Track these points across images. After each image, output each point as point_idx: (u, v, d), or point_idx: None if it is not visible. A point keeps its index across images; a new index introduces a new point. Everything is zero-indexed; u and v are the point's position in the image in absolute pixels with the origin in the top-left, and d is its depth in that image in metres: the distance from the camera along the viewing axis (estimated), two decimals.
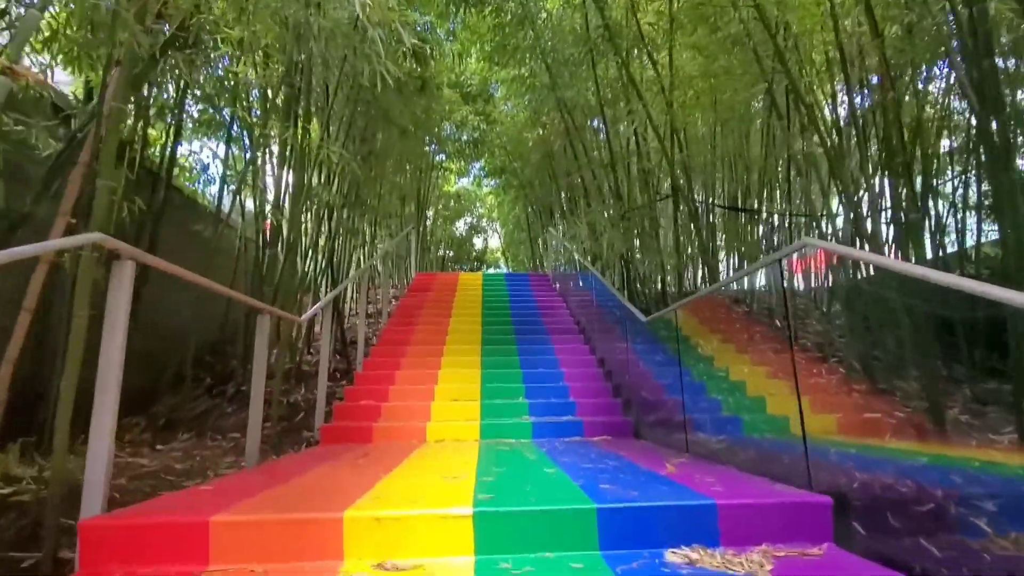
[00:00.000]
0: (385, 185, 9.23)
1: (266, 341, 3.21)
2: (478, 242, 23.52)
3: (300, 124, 4.38)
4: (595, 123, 6.66)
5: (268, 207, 5.45)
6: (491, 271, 23.77)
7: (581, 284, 7.54)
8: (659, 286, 5.79)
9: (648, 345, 4.67)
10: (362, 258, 8.28)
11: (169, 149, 4.72)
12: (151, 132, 4.79)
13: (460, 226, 21.64)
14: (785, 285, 2.86)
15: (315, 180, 5.77)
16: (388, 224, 10.63)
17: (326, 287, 6.72)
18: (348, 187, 6.92)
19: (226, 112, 5.31)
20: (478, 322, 6.87)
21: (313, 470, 2.79)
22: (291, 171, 4.61)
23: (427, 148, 11.73)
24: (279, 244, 4.61)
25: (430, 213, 16.32)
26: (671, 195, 4.81)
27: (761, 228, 7.14)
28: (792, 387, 2.46)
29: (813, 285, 7.92)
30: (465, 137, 12.54)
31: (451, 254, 21.78)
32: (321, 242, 6.28)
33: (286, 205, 4.93)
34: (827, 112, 5.85)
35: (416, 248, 10.32)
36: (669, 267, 4.63)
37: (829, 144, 5.11)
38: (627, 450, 3.51)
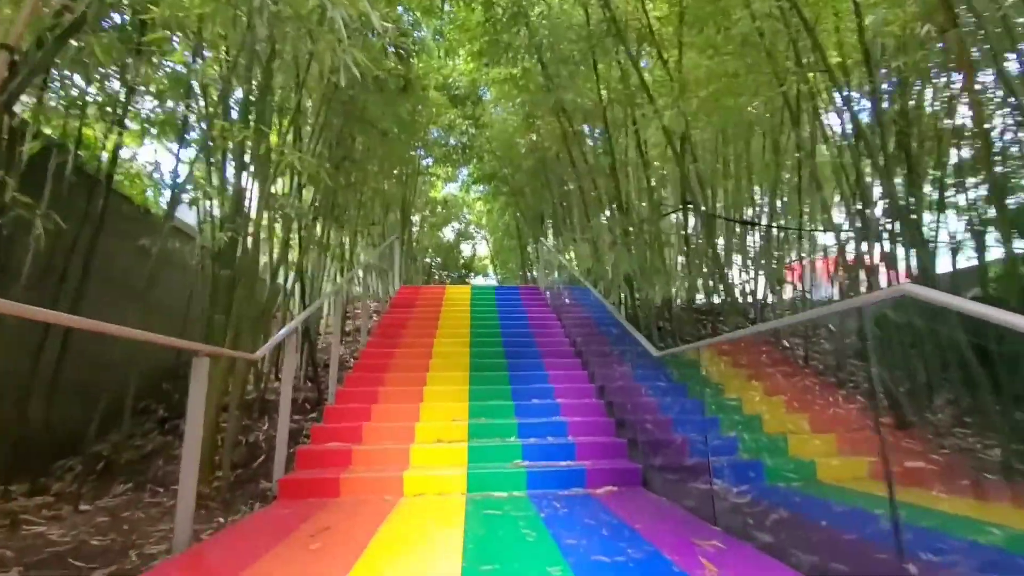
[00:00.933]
0: (366, 192, 8.63)
1: (203, 389, 2.61)
2: (466, 249, 22.93)
3: (256, 125, 3.80)
4: (594, 128, 6.13)
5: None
6: (480, 283, 23.22)
7: (576, 299, 7.00)
8: (665, 309, 5.26)
9: (660, 383, 4.13)
10: (341, 271, 7.67)
11: (111, 152, 4.10)
12: (89, 132, 4.16)
13: (447, 233, 21.05)
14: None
15: (282, 187, 5.17)
16: (371, 233, 10.02)
17: (301, 305, 6.11)
18: (323, 195, 6.32)
19: (182, 112, 4.69)
20: (466, 343, 6.29)
21: (249, 568, 2.18)
22: (252, 178, 4.02)
23: (413, 153, 11.17)
24: (234, 261, 4.00)
25: (416, 219, 15.73)
26: (681, 207, 4.31)
27: (767, 242, 6.68)
28: (876, 466, 1.91)
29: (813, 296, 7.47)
30: (453, 142, 12.00)
31: (438, 261, 21.17)
32: (293, 256, 5.66)
33: (248, 215, 4.33)
34: (845, 117, 5.38)
35: (400, 259, 9.72)
36: (679, 288, 4.09)
37: (850, 152, 4.64)
38: (641, 517, 2.94)
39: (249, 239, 4.45)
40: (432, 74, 10.42)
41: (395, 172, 10.25)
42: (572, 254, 4.22)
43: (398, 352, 5.98)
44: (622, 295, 5.47)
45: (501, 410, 4.72)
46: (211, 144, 3.97)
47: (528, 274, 15.42)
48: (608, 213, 5.40)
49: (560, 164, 8.25)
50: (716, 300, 6.52)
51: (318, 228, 6.21)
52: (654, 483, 3.69)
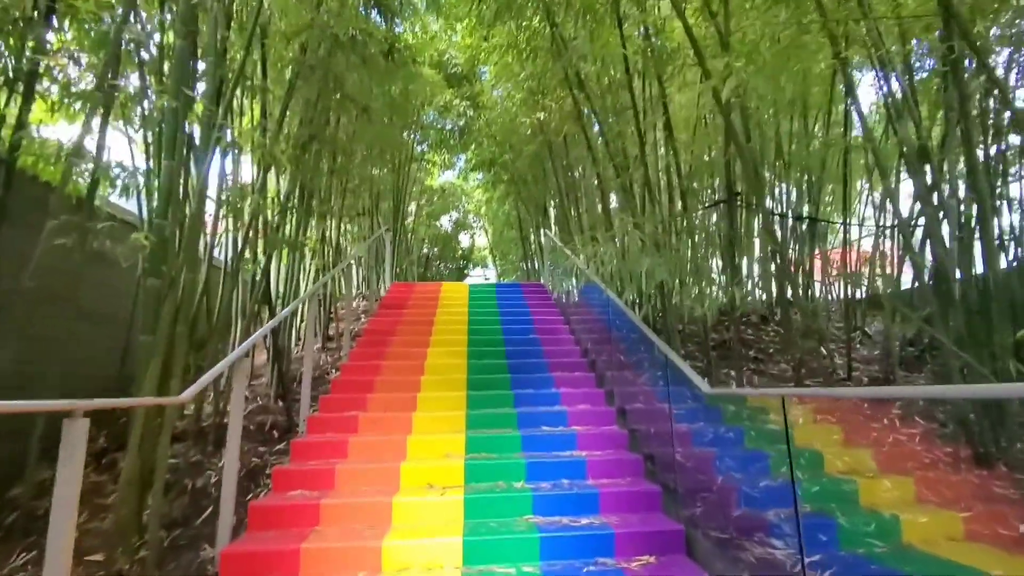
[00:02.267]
0: (352, 179, 7.77)
1: (78, 463, 1.80)
2: (464, 240, 22.05)
3: (192, 96, 2.96)
4: (616, 102, 5.20)
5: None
6: (478, 277, 22.39)
7: (593, 307, 6.16)
8: (706, 323, 4.40)
9: (710, 425, 3.34)
10: (324, 269, 6.83)
11: (12, 128, 3.25)
12: None
13: (445, 222, 20.16)
14: None
15: (252, 174, 4.34)
16: (360, 224, 9.17)
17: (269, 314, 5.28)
18: (300, 183, 5.47)
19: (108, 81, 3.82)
20: (463, 354, 5.49)
21: None
22: (190, 162, 3.19)
23: (405, 137, 10.29)
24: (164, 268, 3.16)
25: (411, 208, 14.86)
26: (727, 200, 3.50)
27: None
28: None
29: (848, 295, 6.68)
30: (449, 125, 11.10)
31: (435, 251, 20.30)
32: (259, 255, 4.82)
33: (195, 208, 3.49)
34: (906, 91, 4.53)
35: (392, 253, 8.89)
36: (725, 298, 3.25)
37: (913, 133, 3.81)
38: None
39: (200, 237, 3.62)
40: (426, 49, 9.52)
41: (387, 158, 9.39)
42: (587, 253, 3.46)
43: (385, 366, 5.18)
44: (650, 302, 4.67)
45: (505, 442, 3.93)
46: (143, 118, 3.16)
47: (529, 264, 14.58)
48: (634, 206, 4.59)
49: (570, 149, 7.39)
50: (775, 314, 5.73)
51: (292, 221, 5.36)
52: (700, 550, 2.91)
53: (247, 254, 4.40)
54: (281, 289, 5.66)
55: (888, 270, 7.01)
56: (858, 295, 6.78)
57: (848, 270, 6.45)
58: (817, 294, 7.09)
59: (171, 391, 2.88)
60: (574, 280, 6.45)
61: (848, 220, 5.48)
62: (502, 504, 3.21)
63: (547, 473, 3.58)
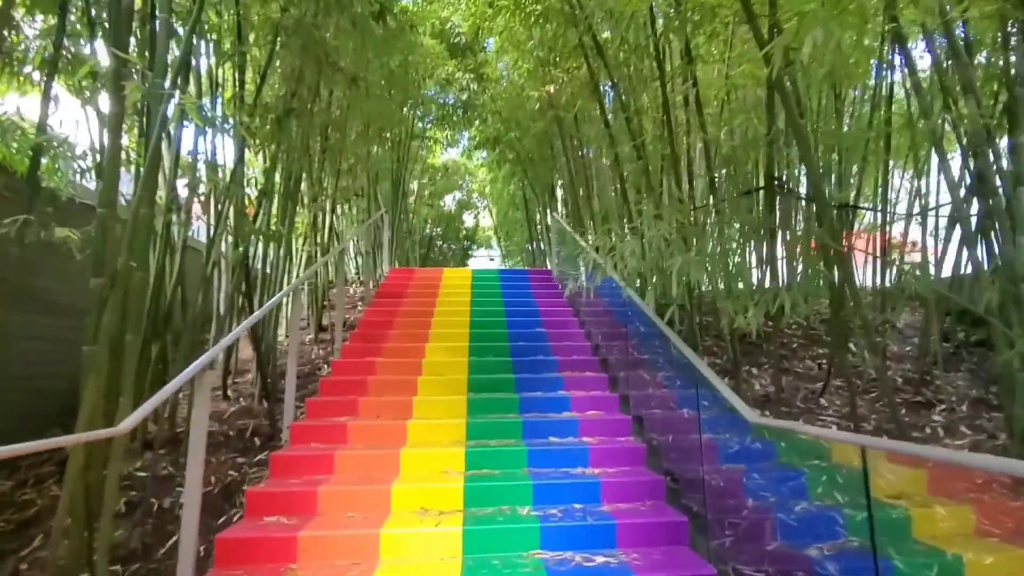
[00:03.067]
0: (347, 159, 7.27)
1: None
2: (468, 219, 21.50)
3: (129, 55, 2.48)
4: (640, 71, 4.62)
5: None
6: (483, 260, 21.93)
7: (600, 293, 5.71)
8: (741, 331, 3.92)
9: (758, 462, 2.91)
10: (315, 256, 6.38)
11: None
12: None
13: (448, 202, 19.61)
14: None
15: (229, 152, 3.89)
16: (357, 206, 8.68)
17: (246, 308, 4.85)
18: (286, 162, 4.99)
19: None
20: (464, 351, 5.07)
21: None
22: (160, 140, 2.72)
23: (405, 112, 9.72)
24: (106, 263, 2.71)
25: (413, 186, 14.33)
26: (768, 186, 3.02)
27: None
28: None
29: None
30: (451, 100, 10.51)
31: (438, 231, 19.79)
32: (239, 242, 4.37)
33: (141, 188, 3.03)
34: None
35: (390, 236, 8.42)
36: (777, 307, 2.74)
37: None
38: None
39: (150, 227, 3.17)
40: (427, 18, 8.91)
41: (385, 136, 8.86)
42: (602, 245, 3.02)
43: (379, 364, 4.77)
44: (684, 305, 4.20)
45: (509, 457, 3.52)
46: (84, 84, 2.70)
47: (535, 246, 14.09)
48: (657, 193, 4.09)
49: (581, 126, 6.85)
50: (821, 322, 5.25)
51: (276, 204, 4.90)
52: None
53: (225, 240, 3.96)
54: (271, 275, 5.21)
55: (921, 258, 6.52)
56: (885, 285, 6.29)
57: (879, 258, 5.96)
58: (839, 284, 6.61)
59: (120, 412, 2.47)
60: (583, 269, 5.98)
61: (886, 205, 4.98)
62: (506, 537, 2.81)
63: (557, 496, 3.18)
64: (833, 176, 4.64)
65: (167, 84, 2.87)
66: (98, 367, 2.29)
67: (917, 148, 4.96)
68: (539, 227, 13.74)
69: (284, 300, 4.16)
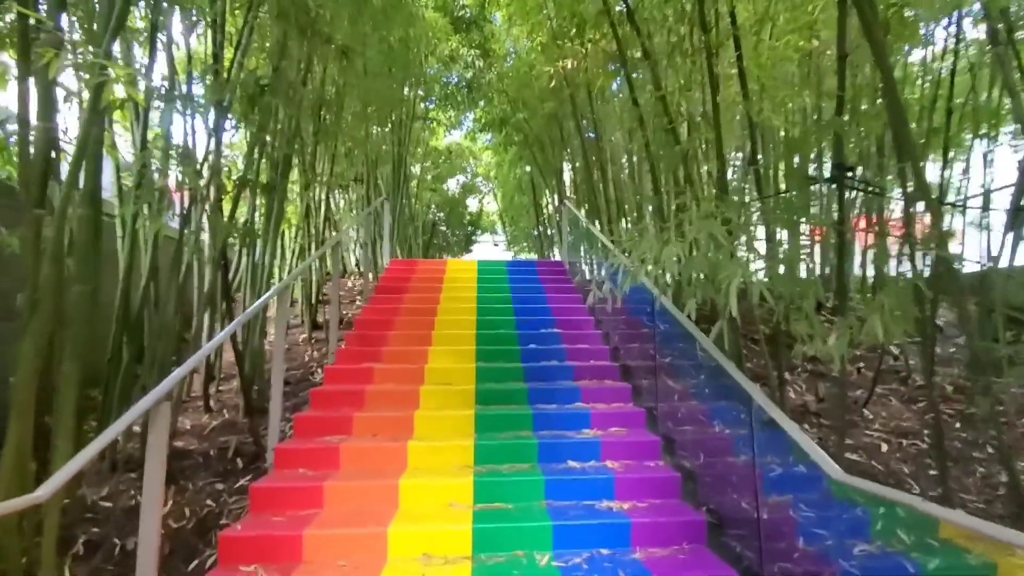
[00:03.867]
0: (344, 142, 6.74)
1: None
2: (472, 204, 20.94)
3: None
4: (671, 38, 4.04)
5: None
6: (487, 249, 21.41)
7: (635, 313, 5.21)
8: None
9: (831, 511, 2.44)
10: (308, 249, 5.90)
11: None
12: None
13: (452, 186, 19.04)
14: None
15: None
16: (357, 192, 8.16)
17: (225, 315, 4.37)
18: (272, 146, 4.49)
19: None
20: (471, 357, 4.61)
21: None
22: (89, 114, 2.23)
23: (407, 92, 9.14)
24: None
25: (416, 169, 13.76)
26: (839, 177, 2.51)
27: None
28: None
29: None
30: (455, 79, 9.90)
31: (442, 216, 19.24)
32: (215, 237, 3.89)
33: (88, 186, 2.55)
34: None
35: (391, 226, 7.91)
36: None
37: None
38: None
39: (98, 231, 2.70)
40: None
41: (385, 116, 8.30)
42: (632, 247, 2.56)
43: (378, 371, 4.32)
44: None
45: (524, 488, 3.08)
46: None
47: (541, 231, 13.56)
48: (697, 186, 3.61)
49: (600, 108, 6.30)
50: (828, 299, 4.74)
51: (261, 194, 4.40)
52: None
53: (197, 237, 3.49)
54: (259, 270, 4.74)
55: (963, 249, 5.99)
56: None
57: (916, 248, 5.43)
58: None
59: (58, 457, 2.02)
60: (601, 268, 5.49)
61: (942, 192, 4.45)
62: None
63: (580, 539, 2.74)
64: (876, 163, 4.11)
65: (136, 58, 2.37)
66: (20, 406, 1.83)
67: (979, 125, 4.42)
68: (546, 213, 13.21)
69: (272, 299, 3.71)
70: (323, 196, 6.15)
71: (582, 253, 7.04)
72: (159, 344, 3.45)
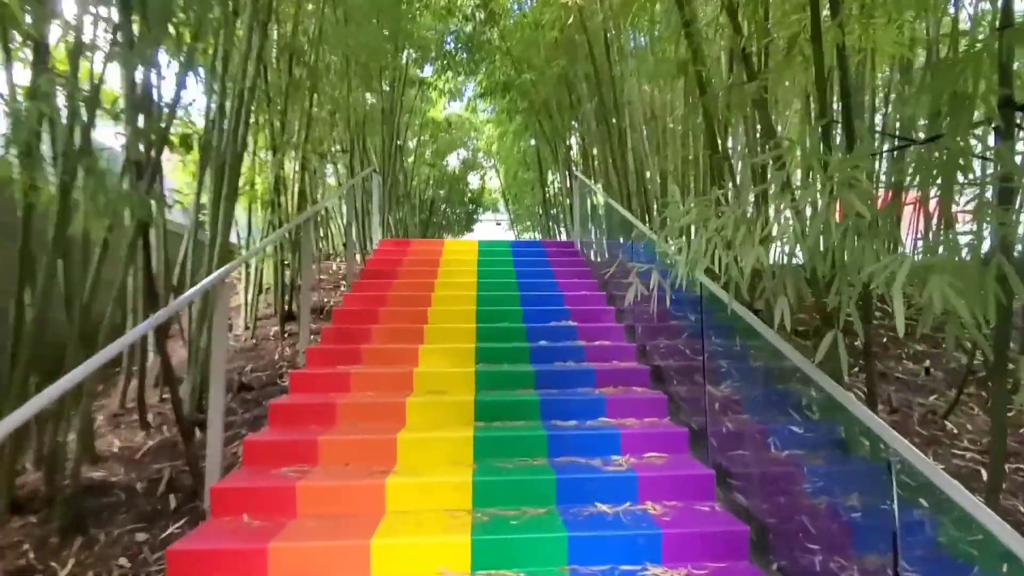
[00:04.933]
0: (323, 103, 5.85)
1: None
2: (474, 181, 19.95)
3: None
4: None
5: None
6: (489, 227, 20.50)
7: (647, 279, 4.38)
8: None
9: None
10: (278, 227, 5.05)
11: None
12: None
13: (452, 162, 18.03)
14: None
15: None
16: (343, 162, 7.27)
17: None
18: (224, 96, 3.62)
19: None
20: (469, 359, 3.81)
21: None
22: None
23: (400, 56, 8.17)
24: None
25: (412, 144, 12.80)
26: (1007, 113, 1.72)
27: None
28: None
29: None
30: (453, 39, 8.90)
31: (441, 194, 18.29)
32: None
33: None
34: None
35: (381, 199, 7.04)
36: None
37: None
38: None
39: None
40: None
41: (373, 78, 7.36)
42: (697, 218, 1.86)
43: (355, 377, 3.52)
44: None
45: (540, 548, 2.29)
46: None
47: (545, 209, 12.65)
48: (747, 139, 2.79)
49: (620, 65, 5.40)
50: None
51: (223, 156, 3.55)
52: None
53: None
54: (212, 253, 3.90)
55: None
56: None
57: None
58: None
59: None
60: (632, 247, 4.67)
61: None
62: None
63: None
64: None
65: None
66: None
67: None
68: (551, 190, 12.27)
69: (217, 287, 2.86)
70: (298, 166, 5.27)
71: (596, 234, 6.19)
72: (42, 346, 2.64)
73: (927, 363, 4.70)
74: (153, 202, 2.90)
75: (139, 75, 2.86)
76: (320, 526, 2.37)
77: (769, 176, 2.05)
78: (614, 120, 5.97)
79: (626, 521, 2.43)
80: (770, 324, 2.16)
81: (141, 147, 2.87)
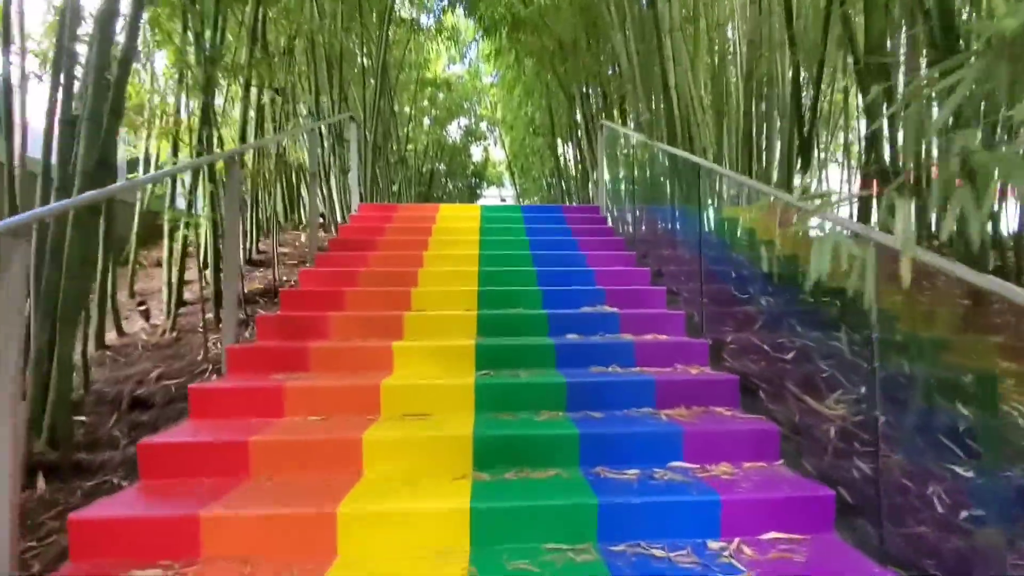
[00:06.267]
0: (280, 28, 4.53)
1: None
2: (476, 152, 18.52)
3: None
4: None
5: None
6: (495, 202, 19.08)
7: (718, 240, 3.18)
8: None
9: None
10: (205, 180, 3.77)
11: None
12: None
13: (453, 132, 16.59)
14: None
15: None
16: (308, 107, 5.94)
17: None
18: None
19: None
20: (467, 365, 2.59)
21: None
22: None
23: None
24: None
25: (408, 110, 11.41)
26: None
27: None
28: None
29: None
30: None
31: (441, 167, 16.90)
32: None
33: None
34: None
35: (359, 153, 5.73)
36: None
37: None
38: None
39: None
40: None
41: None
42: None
43: (291, 394, 2.30)
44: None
45: None
46: None
47: (558, 179, 11.25)
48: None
49: None
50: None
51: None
52: None
53: None
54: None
55: None
56: None
57: None
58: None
59: None
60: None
61: None
62: None
63: None
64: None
65: None
66: None
67: None
68: (561, 156, 10.86)
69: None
70: (242, 101, 3.97)
71: (631, 200, 4.92)
72: None
73: None
74: None
75: None
76: None
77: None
78: (659, 49, 4.62)
79: None
80: None
81: None
